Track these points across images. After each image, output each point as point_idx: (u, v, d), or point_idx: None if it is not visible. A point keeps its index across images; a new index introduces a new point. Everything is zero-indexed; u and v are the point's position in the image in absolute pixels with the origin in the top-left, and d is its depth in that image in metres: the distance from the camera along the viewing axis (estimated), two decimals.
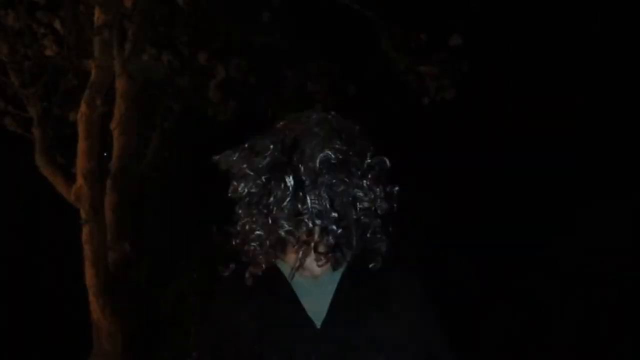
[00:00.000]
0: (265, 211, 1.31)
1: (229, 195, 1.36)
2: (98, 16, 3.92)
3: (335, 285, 1.33)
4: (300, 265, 1.33)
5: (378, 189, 1.33)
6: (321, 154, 1.28)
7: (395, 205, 1.36)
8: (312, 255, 1.32)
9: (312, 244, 1.30)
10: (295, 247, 1.32)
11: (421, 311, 1.35)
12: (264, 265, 1.34)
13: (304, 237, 1.30)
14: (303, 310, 1.30)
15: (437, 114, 5.01)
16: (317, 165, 1.28)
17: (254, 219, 1.33)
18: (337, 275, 1.35)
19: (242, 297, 1.35)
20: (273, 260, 1.36)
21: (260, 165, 1.32)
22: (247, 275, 1.32)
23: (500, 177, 6.48)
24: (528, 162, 6.64)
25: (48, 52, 4.37)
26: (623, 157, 6.42)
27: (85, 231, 4.09)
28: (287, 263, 1.36)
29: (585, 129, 6.43)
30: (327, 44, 5.10)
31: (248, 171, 1.32)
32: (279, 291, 1.34)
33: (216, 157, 1.37)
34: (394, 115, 5.65)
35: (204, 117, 5.00)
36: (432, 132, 6.06)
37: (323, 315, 1.30)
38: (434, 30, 4.47)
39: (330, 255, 1.30)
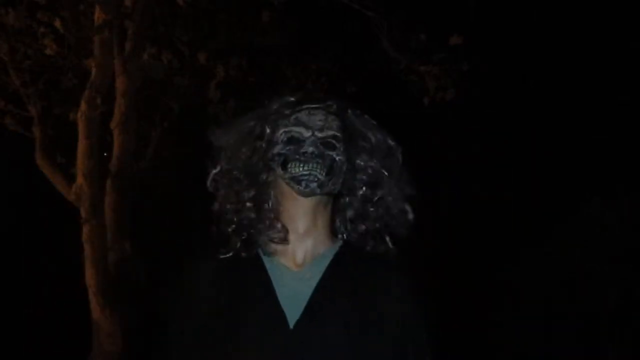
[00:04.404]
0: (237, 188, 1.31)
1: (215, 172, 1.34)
2: (98, 16, 3.92)
3: (315, 280, 1.28)
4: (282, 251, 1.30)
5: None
6: None
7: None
8: (295, 242, 1.29)
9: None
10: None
11: (407, 312, 1.28)
12: (238, 246, 1.29)
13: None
14: (277, 304, 1.25)
15: (437, 114, 5.02)
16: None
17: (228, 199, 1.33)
18: (320, 267, 1.29)
19: (211, 275, 1.30)
20: (258, 249, 1.31)
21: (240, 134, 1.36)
22: (216, 254, 1.29)
23: (499, 175, 6.48)
24: (528, 161, 6.63)
25: (48, 52, 4.38)
26: (622, 157, 6.42)
27: (85, 230, 4.09)
28: (270, 253, 1.31)
29: (584, 128, 6.43)
30: (327, 44, 5.10)
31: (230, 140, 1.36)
32: (255, 275, 1.28)
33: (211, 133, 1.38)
34: (394, 114, 5.66)
35: (204, 117, 5.00)
36: (432, 131, 6.06)
37: (298, 312, 1.25)
38: (434, 30, 4.47)
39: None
